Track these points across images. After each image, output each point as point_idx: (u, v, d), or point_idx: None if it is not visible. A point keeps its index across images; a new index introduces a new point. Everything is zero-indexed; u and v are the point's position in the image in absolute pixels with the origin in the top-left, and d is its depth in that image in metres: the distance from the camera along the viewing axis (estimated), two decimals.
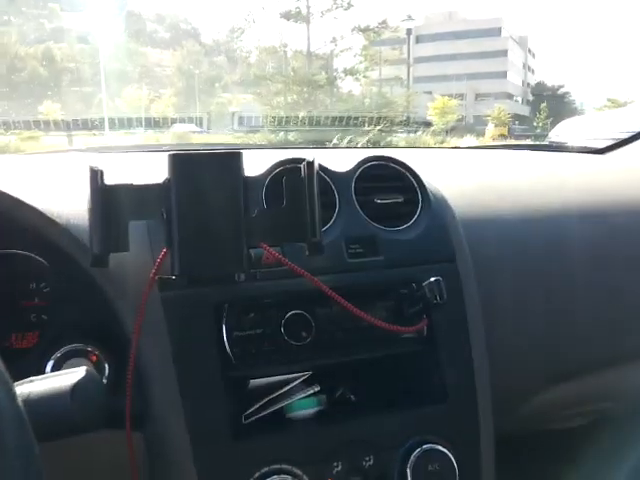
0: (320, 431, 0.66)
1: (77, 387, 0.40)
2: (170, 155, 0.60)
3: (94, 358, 0.64)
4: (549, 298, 0.86)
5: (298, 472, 0.61)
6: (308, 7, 17.58)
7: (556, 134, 2.30)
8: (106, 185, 0.58)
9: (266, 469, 0.61)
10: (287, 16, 17.62)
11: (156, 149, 1.33)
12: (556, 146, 1.81)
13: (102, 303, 0.65)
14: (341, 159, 0.80)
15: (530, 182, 1.03)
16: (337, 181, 0.75)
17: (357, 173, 0.77)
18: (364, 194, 0.76)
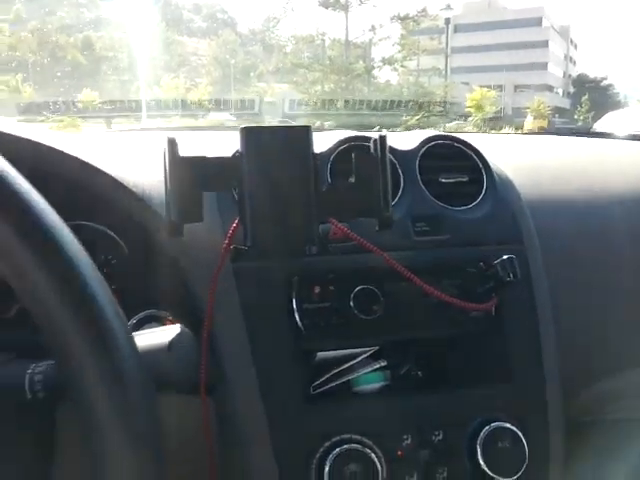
0: (388, 405, 0.67)
1: (174, 343, 0.41)
2: (242, 128, 0.61)
3: (168, 324, 0.66)
4: (613, 283, 0.84)
5: (369, 442, 0.62)
6: None
7: (600, 127, 2.24)
8: (182, 156, 0.59)
9: (337, 438, 0.62)
10: (325, 4, 17.50)
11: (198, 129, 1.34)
12: (603, 134, 1.76)
13: (174, 273, 0.67)
14: (394, 140, 0.80)
15: (587, 167, 1.01)
16: (401, 159, 0.75)
17: (422, 151, 0.77)
18: (428, 173, 0.76)
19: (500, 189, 0.77)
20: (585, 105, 33.29)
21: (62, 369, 0.32)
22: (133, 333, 0.45)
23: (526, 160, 1.00)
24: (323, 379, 0.68)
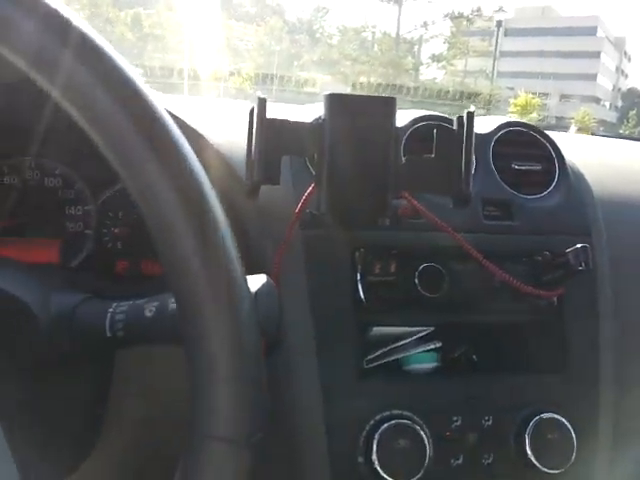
0: (440, 385, 0.67)
1: (260, 292, 0.42)
2: (327, 95, 0.61)
3: None
4: None
5: (418, 420, 0.62)
6: None
7: None
8: (268, 118, 0.59)
9: (388, 413, 0.62)
10: None
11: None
12: None
13: (243, 237, 0.67)
14: None
15: None
16: (476, 142, 0.74)
17: (497, 136, 0.76)
18: (501, 159, 0.75)
19: (572, 180, 0.76)
20: (632, 120, 32.40)
21: (178, 299, 0.33)
22: None
23: (594, 157, 0.98)
24: (377, 354, 0.68)
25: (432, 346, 0.69)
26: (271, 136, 0.59)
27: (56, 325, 0.48)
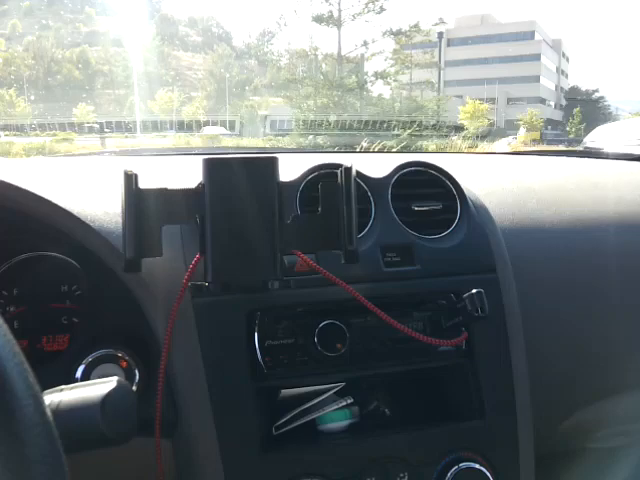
0: (353, 445, 0.64)
1: (108, 399, 0.39)
2: (205, 160, 0.59)
3: (124, 364, 0.63)
4: (590, 311, 0.82)
5: None
6: (340, 10, 17.59)
7: (591, 140, 2.24)
8: (140, 189, 0.57)
9: None
10: (319, 19, 17.64)
11: (187, 152, 1.33)
12: (592, 152, 1.75)
13: (134, 308, 0.64)
14: (373, 164, 0.78)
15: (569, 189, 0.99)
16: (373, 187, 0.73)
17: (394, 179, 0.75)
18: (401, 201, 0.74)
19: (474, 217, 0.75)
20: (577, 117, 33.50)
21: None
22: (68, 386, 0.43)
23: (506, 182, 0.98)
24: (286, 418, 0.65)
25: (343, 403, 0.66)
26: (146, 208, 0.57)
27: None
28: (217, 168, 0.59)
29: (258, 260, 0.58)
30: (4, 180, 0.63)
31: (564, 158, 1.36)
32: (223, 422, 0.60)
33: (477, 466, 0.63)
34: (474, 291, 0.63)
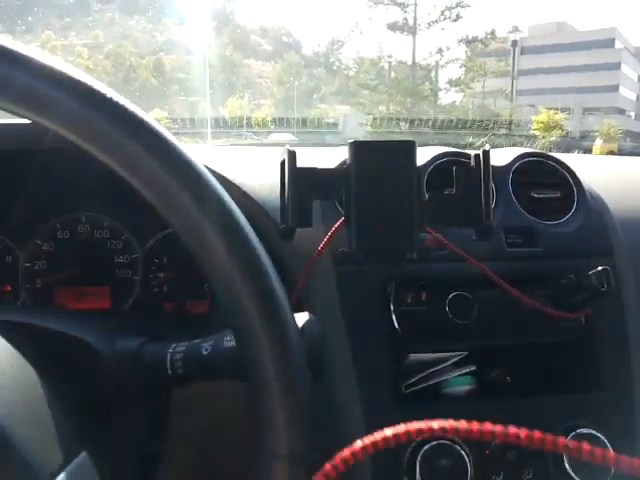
0: (477, 407, 0.69)
1: (306, 329, 0.46)
2: (351, 142, 0.66)
3: None
4: None
5: (459, 440, 0.65)
6: (415, 18, 17.55)
7: None
8: (299, 167, 0.65)
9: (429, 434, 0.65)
10: (394, 27, 17.66)
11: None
12: None
13: (282, 274, 0.72)
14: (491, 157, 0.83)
15: None
16: (495, 174, 0.79)
17: (514, 167, 0.80)
18: (520, 188, 0.79)
19: (591, 204, 0.79)
20: None
21: (238, 339, 0.38)
22: None
23: (613, 177, 1.00)
24: (415, 379, 0.71)
25: (467, 370, 0.72)
26: (301, 184, 0.65)
27: (123, 366, 0.53)
28: (362, 150, 0.66)
29: (398, 234, 0.65)
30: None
31: None
32: (363, 378, 0.67)
33: (595, 432, 0.67)
34: (600, 268, 0.67)
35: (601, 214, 0.79)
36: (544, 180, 0.81)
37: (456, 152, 0.78)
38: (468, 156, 0.68)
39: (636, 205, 0.88)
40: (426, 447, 0.64)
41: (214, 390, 0.68)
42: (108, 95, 0.37)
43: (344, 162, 0.68)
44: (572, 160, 0.91)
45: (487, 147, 0.65)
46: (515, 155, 0.81)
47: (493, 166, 0.80)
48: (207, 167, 0.71)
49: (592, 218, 0.78)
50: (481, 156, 0.64)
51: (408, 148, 0.66)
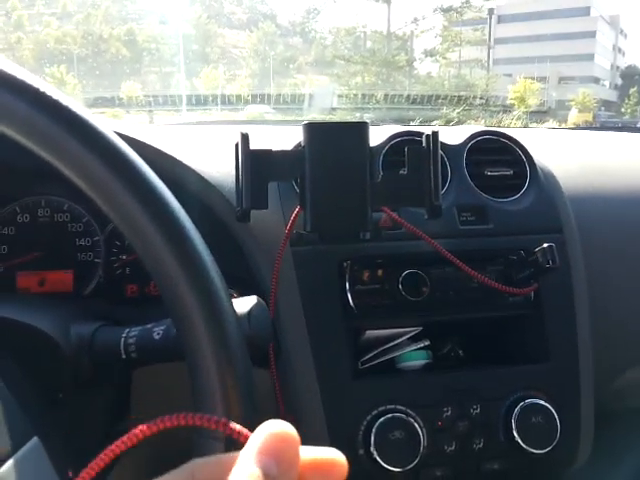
0: (430, 380, 0.72)
1: (252, 312, 0.48)
2: (305, 124, 0.67)
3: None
4: None
5: (412, 413, 0.68)
6: None
7: None
8: (252, 149, 0.65)
9: (383, 407, 0.68)
10: None
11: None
12: None
13: (240, 255, 0.73)
14: (445, 135, 0.84)
15: (631, 161, 1.04)
16: (449, 153, 0.80)
17: (468, 145, 0.81)
18: (474, 166, 0.80)
19: (542, 182, 0.81)
20: (633, 98, 32.17)
21: (177, 326, 0.39)
22: None
23: (569, 154, 1.03)
24: (370, 355, 0.74)
25: (421, 344, 0.74)
26: (256, 166, 0.65)
27: (77, 352, 0.54)
28: (316, 131, 0.67)
29: (352, 214, 0.67)
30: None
31: (621, 133, 1.39)
32: (320, 354, 0.69)
33: (542, 402, 0.70)
34: (545, 245, 0.69)
35: (552, 191, 0.81)
36: (499, 158, 0.83)
37: (410, 131, 0.79)
38: (421, 135, 0.69)
39: (587, 182, 0.90)
40: (380, 420, 0.66)
41: (176, 369, 0.70)
42: (28, 81, 0.37)
43: (299, 144, 0.68)
44: (528, 136, 0.93)
45: (436, 128, 0.66)
46: (470, 133, 0.83)
47: (448, 145, 0.82)
48: (164, 152, 0.71)
49: (543, 195, 0.80)
50: (431, 137, 0.66)
51: (361, 129, 0.67)
